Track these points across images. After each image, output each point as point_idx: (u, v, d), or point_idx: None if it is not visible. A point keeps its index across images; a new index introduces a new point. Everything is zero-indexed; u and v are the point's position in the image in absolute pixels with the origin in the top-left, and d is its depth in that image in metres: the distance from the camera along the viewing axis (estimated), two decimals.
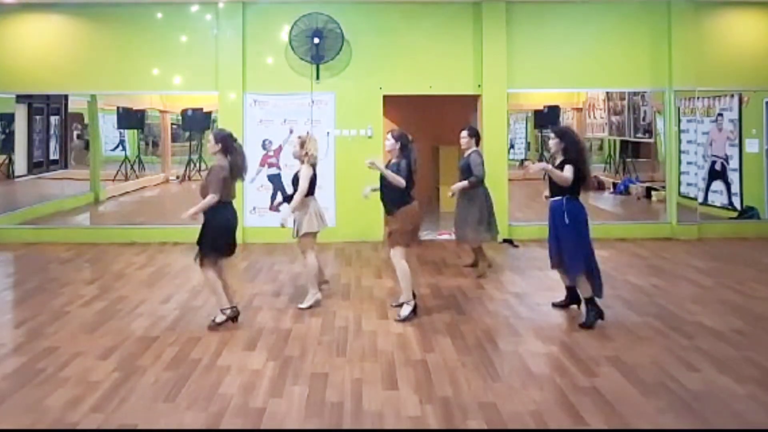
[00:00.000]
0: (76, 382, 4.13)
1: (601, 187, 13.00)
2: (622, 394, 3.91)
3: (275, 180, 9.09)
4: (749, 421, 3.58)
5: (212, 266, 5.18)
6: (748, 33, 9.34)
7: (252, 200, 9.06)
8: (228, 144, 5.17)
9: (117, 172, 12.69)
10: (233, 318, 5.26)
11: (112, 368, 4.36)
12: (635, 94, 11.49)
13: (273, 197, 9.03)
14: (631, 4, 9.24)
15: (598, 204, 12.12)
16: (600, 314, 5.22)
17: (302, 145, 5.86)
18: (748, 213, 9.41)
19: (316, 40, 8.76)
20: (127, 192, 12.59)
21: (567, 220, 5.27)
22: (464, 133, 7.00)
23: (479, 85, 9.09)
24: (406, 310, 5.41)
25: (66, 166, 11.88)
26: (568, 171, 5.21)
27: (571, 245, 5.28)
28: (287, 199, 6.00)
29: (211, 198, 5.02)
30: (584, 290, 5.28)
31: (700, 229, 9.09)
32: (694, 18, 9.19)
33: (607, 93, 12.48)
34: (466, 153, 6.93)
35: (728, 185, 9.59)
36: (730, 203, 9.57)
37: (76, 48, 9.17)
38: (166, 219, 9.38)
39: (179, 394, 3.95)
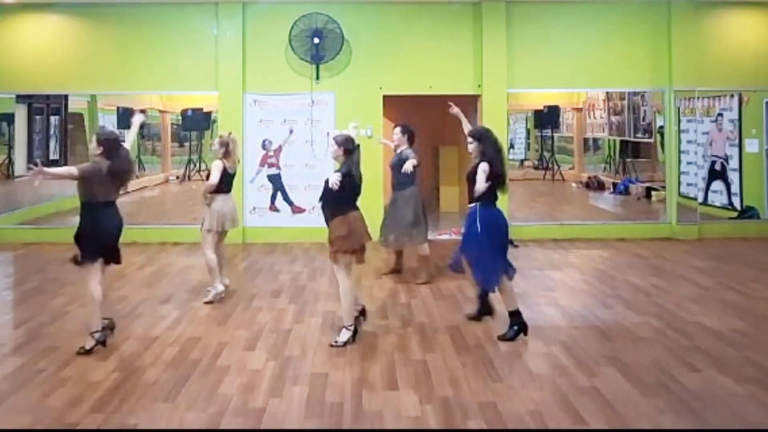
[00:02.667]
0: (76, 382, 4.13)
1: (601, 187, 13.03)
2: (622, 394, 3.91)
3: (275, 180, 9.10)
4: (749, 421, 3.58)
5: (95, 272, 4.68)
6: (748, 33, 9.34)
7: (252, 200, 9.05)
8: (111, 148, 4.70)
9: None
10: (103, 342, 4.69)
11: (112, 368, 4.35)
12: (635, 94, 11.49)
13: (273, 197, 9.06)
14: (631, 4, 9.24)
15: (598, 204, 12.15)
16: (523, 329, 4.91)
17: (221, 145, 6.10)
18: (748, 213, 9.41)
19: (316, 40, 8.76)
20: (127, 192, 12.53)
21: (479, 228, 4.89)
22: (397, 130, 6.74)
23: (479, 85, 9.09)
24: (344, 336, 4.84)
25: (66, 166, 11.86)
26: (480, 179, 4.81)
27: (484, 256, 4.90)
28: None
29: (67, 168, 4.67)
30: (509, 303, 4.96)
31: (700, 229, 9.09)
32: (694, 18, 9.19)
33: (607, 93, 12.50)
34: (399, 150, 6.74)
35: (728, 185, 9.58)
36: (730, 203, 9.57)
37: (76, 48, 9.17)
38: (166, 219, 9.39)
39: (179, 394, 3.95)
